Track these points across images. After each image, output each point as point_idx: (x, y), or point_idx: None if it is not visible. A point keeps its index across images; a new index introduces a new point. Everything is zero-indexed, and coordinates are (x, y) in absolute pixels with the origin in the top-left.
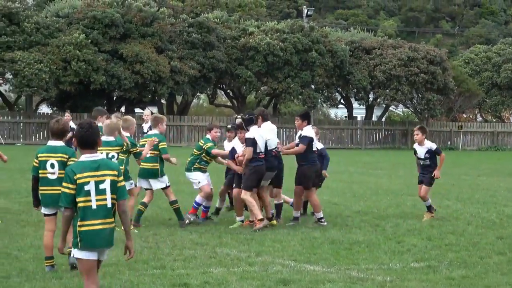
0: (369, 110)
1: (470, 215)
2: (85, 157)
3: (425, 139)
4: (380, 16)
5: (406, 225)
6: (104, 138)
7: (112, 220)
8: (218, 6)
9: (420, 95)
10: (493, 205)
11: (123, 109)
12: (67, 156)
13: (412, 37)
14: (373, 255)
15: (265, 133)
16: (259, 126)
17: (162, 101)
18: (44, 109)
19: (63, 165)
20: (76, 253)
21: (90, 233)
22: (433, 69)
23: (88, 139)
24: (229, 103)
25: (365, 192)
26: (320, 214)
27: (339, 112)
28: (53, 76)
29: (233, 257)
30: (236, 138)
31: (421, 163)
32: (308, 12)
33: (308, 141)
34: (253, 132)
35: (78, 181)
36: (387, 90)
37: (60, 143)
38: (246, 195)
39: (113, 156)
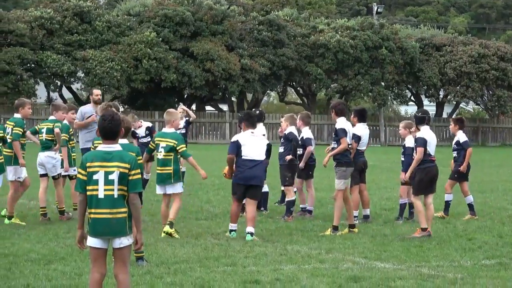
0: (439, 107)
1: None
2: (102, 147)
3: (459, 130)
4: (450, 12)
5: (477, 222)
6: None
7: (121, 210)
8: (288, 3)
9: (490, 92)
10: None
11: (194, 106)
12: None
13: (482, 33)
14: (444, 252)
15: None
16: (354, 125)
17: (233, 98)
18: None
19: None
20: (87, 240)
21: (96, 221)
22: (504, 65)
23: (109, 130)
24: (299, 101)
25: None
26: (355, 213)
27: (410, 109)
28: (124, 74)
29: (304, 254)
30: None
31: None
32: (378, 9)
33: (358, 139)
34: (424, 132)
35: (88, 170)
36: (458, 87)
37: (124, 140)
38: (417, 200)
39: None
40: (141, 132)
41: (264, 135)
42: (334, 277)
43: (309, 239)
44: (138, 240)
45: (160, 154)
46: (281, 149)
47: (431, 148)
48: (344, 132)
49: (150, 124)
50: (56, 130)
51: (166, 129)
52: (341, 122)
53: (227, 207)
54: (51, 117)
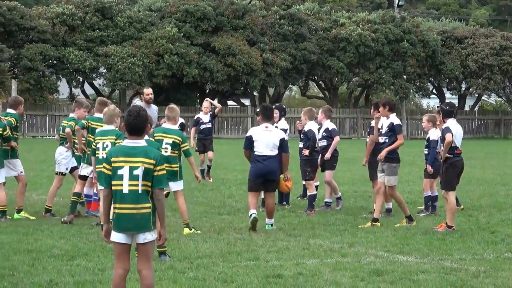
0: (462, 100)
1: None
2: (127, 142)
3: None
4: (471, 5)
5: (500, 215)
6: (105, 127)
7: (146, 205)
8: None
9: None
10: None
11: (216, 101)
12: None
13: (504, 25)
14: (467, 245)
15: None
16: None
17: (255, 93)
18: (138, 102)
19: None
20: (112, 235)
21: (120, 216)
22: None
23: (135, 126)
24: (321, 95)
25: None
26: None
27: (431, 102)
28: (146, 70)
29: (326, 248)
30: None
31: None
32: (400, 3)
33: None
34: (450, 124)
35: (113, 165)
36: (480, 80)
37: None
38: (451, 196)
39: (107, 146)
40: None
41: (286, 130)
42: (356, 271)
43: (331, 233)
44: (162, 236)
45: (167, 151)
46: (300, 145)
47: (457, 141)
48: (401, 128)
49: (183, 121)
50: (67, 129)
51: (169, 126)
52: (395, 118)
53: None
54: (72, 115)
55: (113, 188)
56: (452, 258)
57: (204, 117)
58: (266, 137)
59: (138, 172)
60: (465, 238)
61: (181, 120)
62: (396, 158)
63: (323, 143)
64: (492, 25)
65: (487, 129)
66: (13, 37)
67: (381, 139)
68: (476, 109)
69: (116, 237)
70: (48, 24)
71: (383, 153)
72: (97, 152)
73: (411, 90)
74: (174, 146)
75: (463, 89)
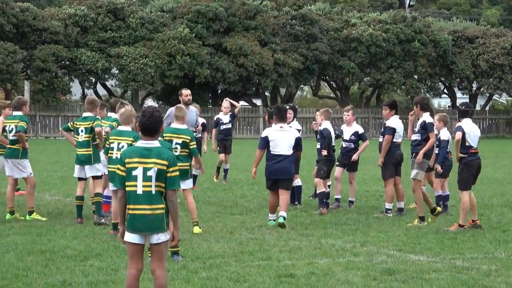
0: (473, 99)
1: None
2: (141, 143)
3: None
4: (482, 5)
5: (511, 214)
6: (120, 127)
7: (159, 206)
8: None
9: None
10: None
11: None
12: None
13: None
14: (478, 244)
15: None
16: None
17: (266, 93)
18: (150, 103)
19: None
20: (125, 235)
21: (134, 217)
22: None
23: (148, 127)
24: (332, 95)
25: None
26: (389, 206)
27: (442, 102)
28: (158, 71)
29: (338, 248)
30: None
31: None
32: (411, 3)
33: (393, 132)
34: (465, 123)
35: (127, 165)
36: (491, 79)
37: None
38: (465, 196)
39: (122, 146)
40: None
41: (299, 130)
42: (368, 270)
43: (343, 233)
44: (175, 236)
45: (177, 151)
46: (318, 145)
47: (472, 140)
48: (433, 126)
49: (204, 121)
50: (97, 128)
51: (178, 125)
52: (428, 116)
53: (261, 202)
54: (85, 114)
55: (127, 189)
56: (463, 257)
57: (224, 117)
58: (283, 137)
59: (151, 173)
60: (477, 237)
61: (201, 120)
62: (426, 155)
63: (348, 145)
64: (503, 25)
65: (498, 128)
66: (25, 38)
67: (414, 137)
68: (487, 108)
69: (130, 237)
70: (61, 25)
71: (420, 156)
72: (110, 151)
73: (422, 90)
74: (184, 145)
75: (474, 88)
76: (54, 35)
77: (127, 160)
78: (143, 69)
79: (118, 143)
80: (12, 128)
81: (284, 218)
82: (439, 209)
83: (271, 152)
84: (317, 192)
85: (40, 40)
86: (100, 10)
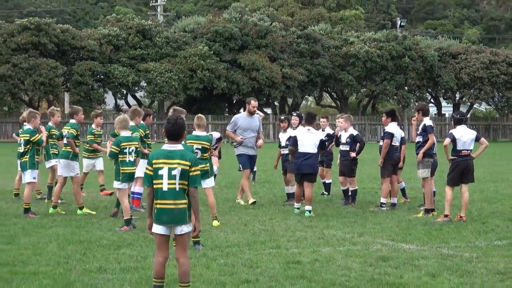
0: (456, 108)
1: None
2: (166, 146)
3: (390, 123)
4: (464, 25)
5: (490, 208)
6: (124, 133)
7: (182, 201)
8: (322, 19)
9: (500, 94)
10: None
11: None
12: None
13: (493, 43)
14: (461, 235)
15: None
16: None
17: (275, 103)
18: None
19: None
20: (153, 227)
21: (161, 211)
22: None
23: (173, 132)
24: (333, 104)
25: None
26: (384, 200)
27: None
28: (181, 83)
29: (339, 238)
30: (290, 128)
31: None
32: (401, 23)
33: (391, 136)
34: (457, 130)
35: (154, 166)
36: (471, 90)
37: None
38: (449, 190)
39: (132, 150)
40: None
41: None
42: (365, 257)
43: (343, 224)
44: (197, 228)
45: (197, 155)
46: (344, 147)
47: (461, 144)
48: (432, 128)
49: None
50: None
51: (199, 133)
52: (428, 120)
53: (271, 198)
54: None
55: (155, 186)
56: (448, 246)
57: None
58: (310, 138)
59: (176, 172)
60: (460, 229)
61: (217, 134)
62: (428, 154)
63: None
64: (482, 43)
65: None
66: (65, 56)
67: (417, 139)
68: (468, 116)
69: (157, 229)
70: (96, 44)
71: (420, 155)
72: (122, 156)
73: (412, 100)
74: (204, 150)
75: (457, 98)
76: (90, 53)
77: (154, 161)
78: (168, 82)
79: (129, 148)
80: (66, 133)
81: (310, 211)
82: (430, 215)
83: (299, 150)
84: (351, 189)
85: (78, 57)
86: (131, 30)
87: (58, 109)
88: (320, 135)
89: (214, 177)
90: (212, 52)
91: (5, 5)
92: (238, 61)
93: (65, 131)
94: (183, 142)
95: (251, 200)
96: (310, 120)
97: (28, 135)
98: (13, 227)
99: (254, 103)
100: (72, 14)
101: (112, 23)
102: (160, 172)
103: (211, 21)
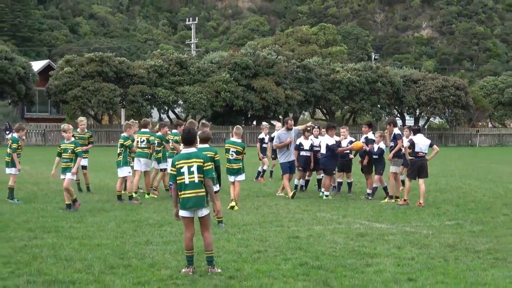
0: (416, 121)
1: (484, 189)
2: (184, 150)
3: (370, 132)
4: (423, 58)
5: (442, 196)
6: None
7: (201, 190)
8: (315, 54)
9: (450, 110)
10: (500, 183)
11: (254, 122)
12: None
13: (444, 72)
14: (420, 217)
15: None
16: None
17: (280, 117)
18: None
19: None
20: (180, 212)
21: (185, 199)
22: (459, 93)
23: (187, 139)
24: (323, 117)
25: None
26: (369, 191)
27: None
28: (209, 102)
29: (328, 219)
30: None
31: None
32: (375, 57)
33: (372, 142)
34: (416, 137)
35: (177, 166)
36: (428, 107)
37: (206, 145)
38: (408, 181)
39: (143, 141)
40: None
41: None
42: (348, 234)
43: (331, 208)
44: (218, 209)
45: (232, 156)
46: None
47: (422, 148)
48: (401, 136)
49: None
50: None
51: (235, 139)
52: (397, 130)
53: (277, 188)
54: (158, 133)
55: (178, 181)
56: (410, 225)
57: (266, 137)
58: (324, 141)
59: (193, 168)
60: (419, 212)
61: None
62: (398, 155)
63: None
64: (436, 71)
65: (433, 140)
66: (122, 81)
67: (391, 144)
68: (426, 126)
69: (183, 213)
70: (145, 72)
71: (391, 155)
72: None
73: (383, 114)
74: (238, 153)
75: (417, 113)
76: (140, 79)
77: (176, 163)
78: (199, 101)
79: (140, 138)
80: (143, 140)
81: (326, 196)
82: (393, 201)
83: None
84: (348, 181)
85: (132, 82)
86: (171, 62)
87: (136, 122)
88: (332, 140)
89: (271, 174)
90: (232, 78)
91: (77, 43)
92: (252, 85)
93: (143, 137)
94: (207, 145)
95: (290, 194)
96: (330, 128)
97: (122, 140)
98: (82, 210)
99: (290, 122)
100: (127, 50)
101: (157, 56)
102: (182, 170)
103: (232, 55)
